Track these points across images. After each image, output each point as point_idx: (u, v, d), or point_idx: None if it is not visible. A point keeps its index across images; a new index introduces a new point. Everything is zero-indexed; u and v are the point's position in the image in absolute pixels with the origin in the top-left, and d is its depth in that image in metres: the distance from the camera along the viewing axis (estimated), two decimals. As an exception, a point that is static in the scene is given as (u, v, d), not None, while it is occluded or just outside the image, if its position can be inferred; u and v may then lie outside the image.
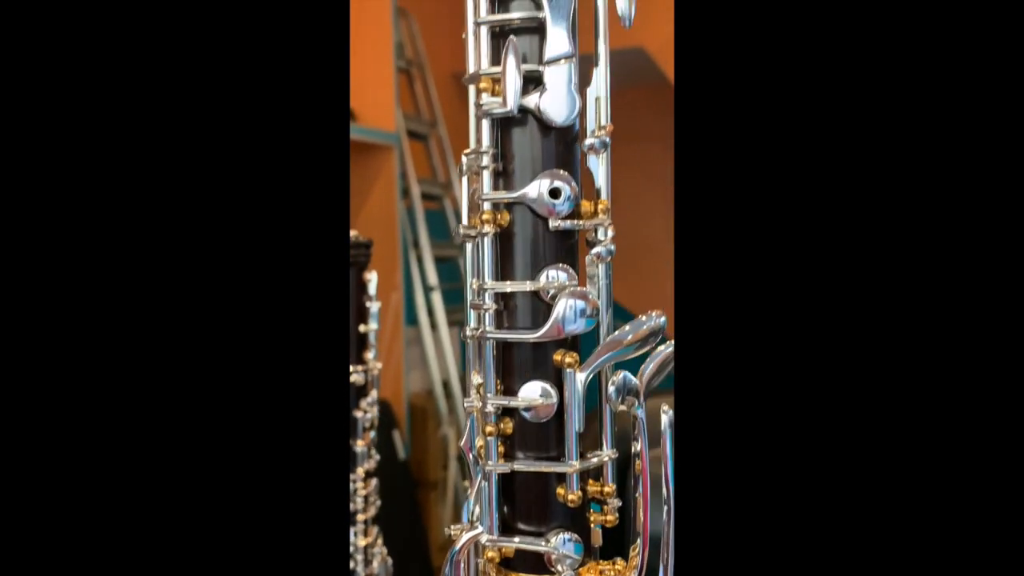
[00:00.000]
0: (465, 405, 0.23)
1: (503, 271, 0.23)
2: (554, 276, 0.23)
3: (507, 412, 0.23)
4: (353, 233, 0.51)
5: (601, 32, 0.23)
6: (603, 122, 0.23)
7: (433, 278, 1.62)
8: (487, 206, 0.23)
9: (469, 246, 0.24)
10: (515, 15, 0.22)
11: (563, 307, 0.22)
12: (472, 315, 0.23)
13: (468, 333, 0.23)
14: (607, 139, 0.23)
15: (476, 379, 0.23)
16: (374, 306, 0.51)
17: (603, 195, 0.23)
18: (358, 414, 0.49)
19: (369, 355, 0.51)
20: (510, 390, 0.23)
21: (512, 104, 0.22)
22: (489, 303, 0.22)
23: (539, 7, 0.22)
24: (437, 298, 1.61)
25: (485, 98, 0.22)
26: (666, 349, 0.23)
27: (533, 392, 0.22)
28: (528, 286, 0.22)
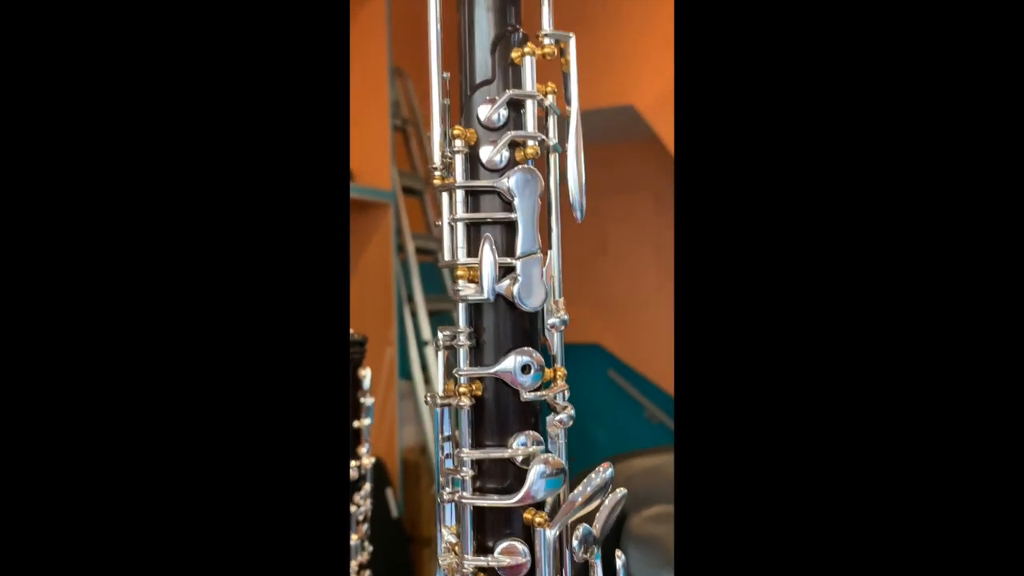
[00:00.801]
0: (442, 563, 0.25)
1: (477, 437, 0.26)
2: (524, 442, 0.25)
3: (483, 569, 0.25)
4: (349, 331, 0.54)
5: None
6: (557, 297, 0.26)
7: (427, 332, 1.64)
8: (464, 379, 0.25)
9: (446, 411, 0.26)
10: (487, 214, 0.25)
11: (535, 474, 0.24)
12: (446, 478, 0.26)
13: (445, 496, 0.25)
14: (566, 317, 0.26)
15: (450, 536, 0.25)
16: (368, 401, 0.54)
17: (559, 362, 0.26)
18: (352, 508, 0.52)
19: (363, 450, 0.53)
20: (484, 546, 0.25)
21: (488, 292, 0.25)
22: (466, 471, 0.25)
23: (511, 209, 0.25)
24: (431, 353, 1.63)
25: (462, 284, 0.25)
26: (616, 496, 0.26)
27: (509, 551, 0.25)
28: (503, 453, 0.25)
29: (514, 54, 0.26)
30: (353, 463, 0.52)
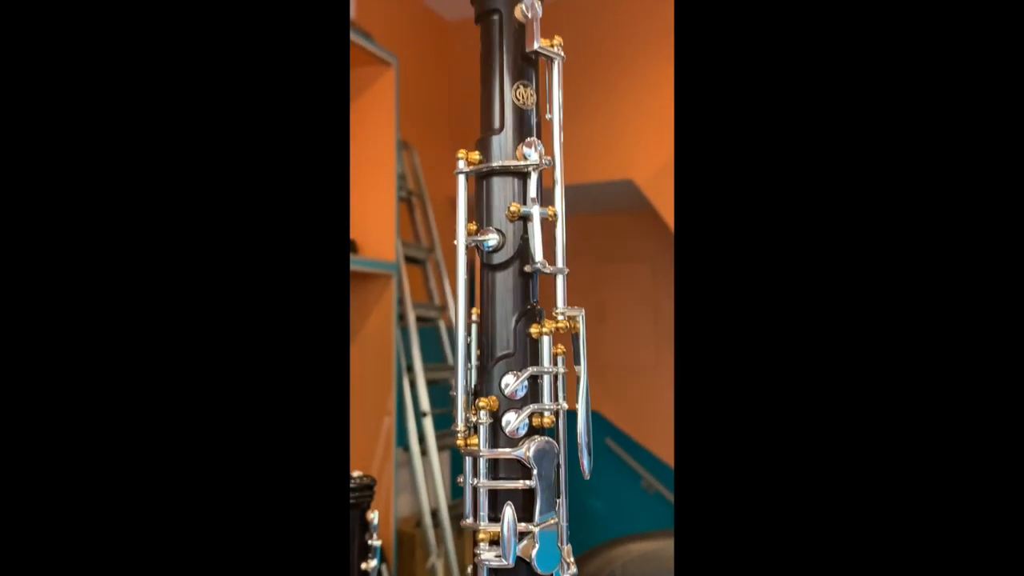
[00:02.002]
0: None
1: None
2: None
3: None
4: (356, 473, 0.56)
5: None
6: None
7: (426, 403, 1.65)
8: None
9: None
10: (508, 483, 0.28)
11: None
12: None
13: None
14: None
15: None
16: (376, 543, 0.55)
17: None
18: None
19: (368, 591, 0.54)
20: None
21: (510, 558, 0.27)
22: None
23: (529, 477, 0.27)
24: (428, 424, 1.65)
25: (483, 548, 0.27)
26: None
27: None
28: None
29: (533, 330, 0.28)
30: (359, 605, 0.53)
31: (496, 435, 0.28)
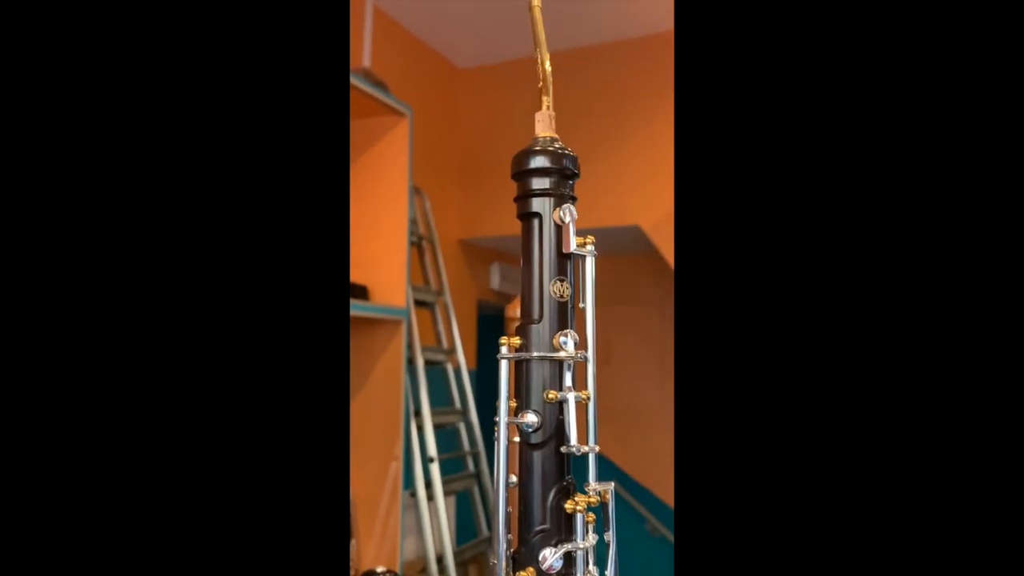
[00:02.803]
0: None
1: None
2: None
3: None
4: (380, 569, 0.58)
5: None
6: None
7: (433, 448, 1.67)
8: None
9: None
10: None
11: None
12: None
13: None
14: None
15: None
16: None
17: None
18: None
19: None
20: None
21: None
22: None
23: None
24: (435, 469, 1.66)
25: None
26: None
27: None
28: None
29: (568, 506, 0.31)
30: None
31: (534, 604, 0.30)
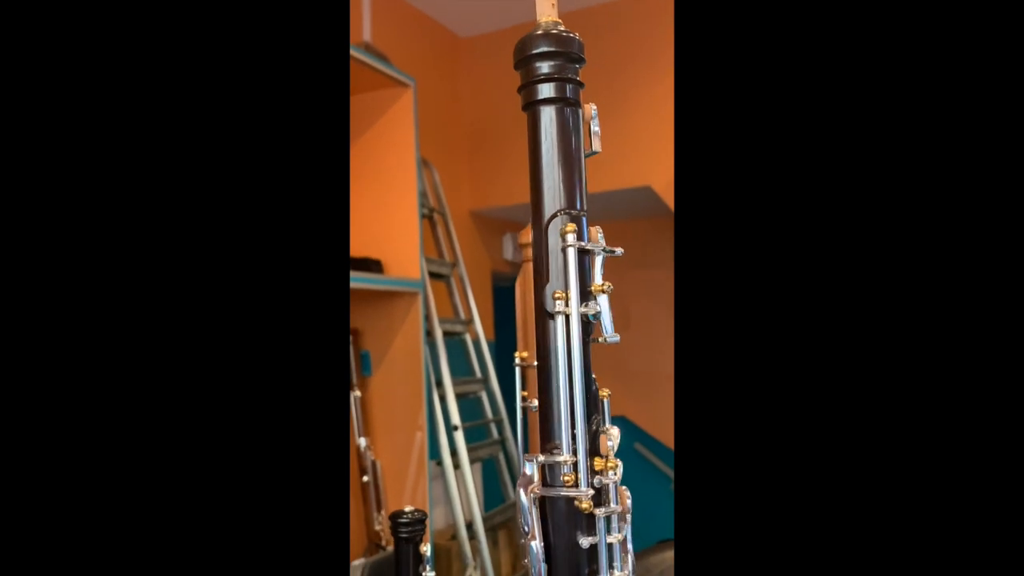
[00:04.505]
0: None
1: None
2: None
3: None
4: (409, 508, 0.59)
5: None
6: None
7: (456, 417, 1.68)
8: None
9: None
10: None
11: None
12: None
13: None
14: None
15: None
16: (430, 575, 0.58)
17: None
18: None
19: (426, 620, 0.57)
20: None
21: None
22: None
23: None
24: (460, 437, 1.68)
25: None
26: None
27: None
28: None
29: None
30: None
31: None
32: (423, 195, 1.83)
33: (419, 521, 0.59)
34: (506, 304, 2.26)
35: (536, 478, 0.29)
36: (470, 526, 1.64)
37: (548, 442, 0.29)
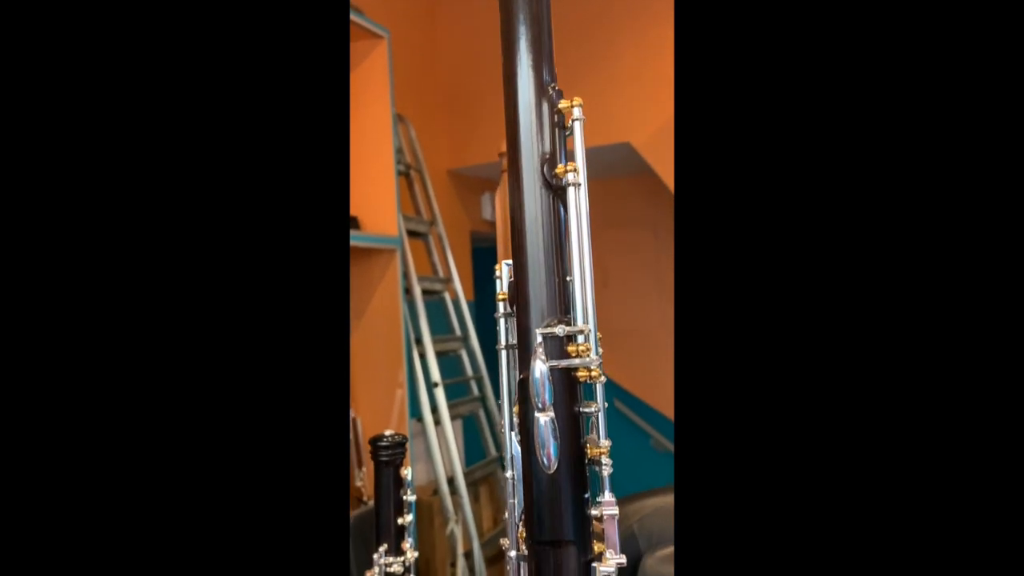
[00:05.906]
0: None
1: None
2: None
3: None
4: (388, 432, 0.58)
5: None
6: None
7: (436, 374, 1.68)
8: None
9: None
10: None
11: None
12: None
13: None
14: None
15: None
16: (411, 498, 0.58)
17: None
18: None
19: (407, 545, 0.57)
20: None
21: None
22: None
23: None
24: (440, 394, 1.67)
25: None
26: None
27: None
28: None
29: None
30: (397, 558, 0.56)
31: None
32: (399, 151, 1.80)
33: (399, 444, 0.58)
34: (486, 264, 2.25)
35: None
36: (451, 482, 1.64)
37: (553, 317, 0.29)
